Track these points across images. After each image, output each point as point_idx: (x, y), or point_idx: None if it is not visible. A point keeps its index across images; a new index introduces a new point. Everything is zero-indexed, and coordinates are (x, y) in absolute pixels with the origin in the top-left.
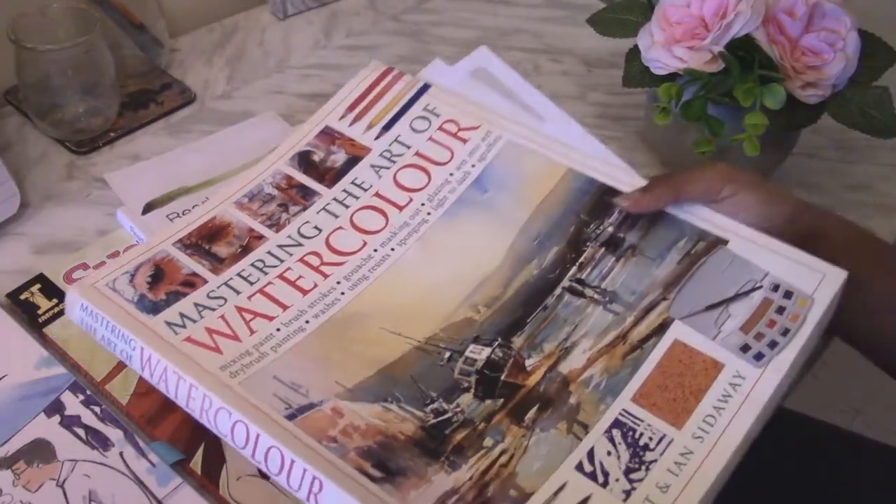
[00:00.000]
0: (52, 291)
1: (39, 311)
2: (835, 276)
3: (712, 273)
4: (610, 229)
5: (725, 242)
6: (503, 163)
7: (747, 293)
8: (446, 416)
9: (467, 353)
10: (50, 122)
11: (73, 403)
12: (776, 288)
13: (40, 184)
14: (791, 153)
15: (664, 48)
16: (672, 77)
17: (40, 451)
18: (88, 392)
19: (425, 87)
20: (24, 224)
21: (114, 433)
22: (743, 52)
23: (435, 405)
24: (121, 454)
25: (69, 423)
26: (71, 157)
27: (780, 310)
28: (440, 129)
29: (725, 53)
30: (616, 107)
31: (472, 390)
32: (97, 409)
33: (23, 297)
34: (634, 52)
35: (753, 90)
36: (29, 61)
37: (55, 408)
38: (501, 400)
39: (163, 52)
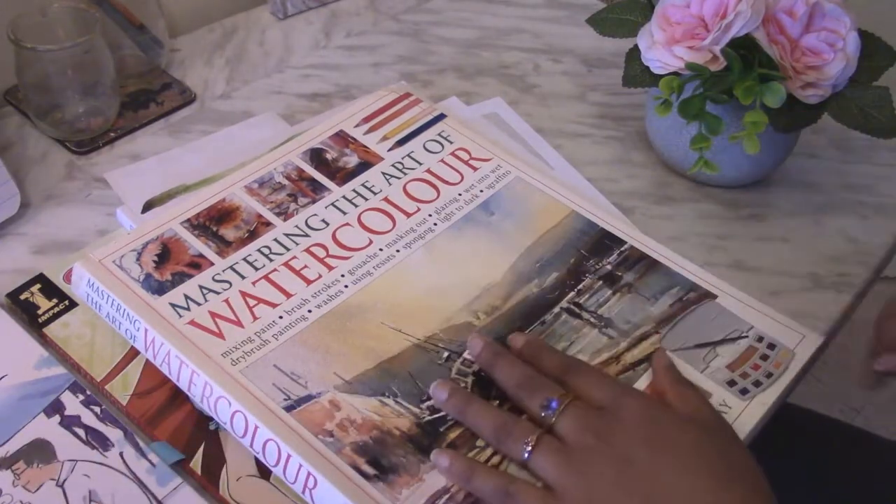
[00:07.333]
0: (52, 291)
1: (39, 311)
2: (813, 339)
3: (701, 320)
4: (608, 267)
5: (714, 297)
6: (510, 194)
7: (734, 340)
8: (442, 414)
9: (465, 355)
10: (50, 122)
11: (73, 403)
12: (760, 339)
13: (40, 184)
14: (791, 153)
15: (664, 48)
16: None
17: (40, 451)
18: (88, 392)
19: (441, 116)
20: (24, 224)
21: (114, 433)
22: (743, 52)
23: (431, 402)
24: (121, 454)
25: (69, 423)
26: (71, 157)
27: (764, 357)
28: (452, 154)
29: (728, 50)
30: (616, 107)
31: (469, 390)
32: (97, 409)
33: (23, 297)
34: (634, 52)
35: (753, 88)
36: (29, 61)
37: (55, 408)
38: (496, 402)
39: (163, 52)
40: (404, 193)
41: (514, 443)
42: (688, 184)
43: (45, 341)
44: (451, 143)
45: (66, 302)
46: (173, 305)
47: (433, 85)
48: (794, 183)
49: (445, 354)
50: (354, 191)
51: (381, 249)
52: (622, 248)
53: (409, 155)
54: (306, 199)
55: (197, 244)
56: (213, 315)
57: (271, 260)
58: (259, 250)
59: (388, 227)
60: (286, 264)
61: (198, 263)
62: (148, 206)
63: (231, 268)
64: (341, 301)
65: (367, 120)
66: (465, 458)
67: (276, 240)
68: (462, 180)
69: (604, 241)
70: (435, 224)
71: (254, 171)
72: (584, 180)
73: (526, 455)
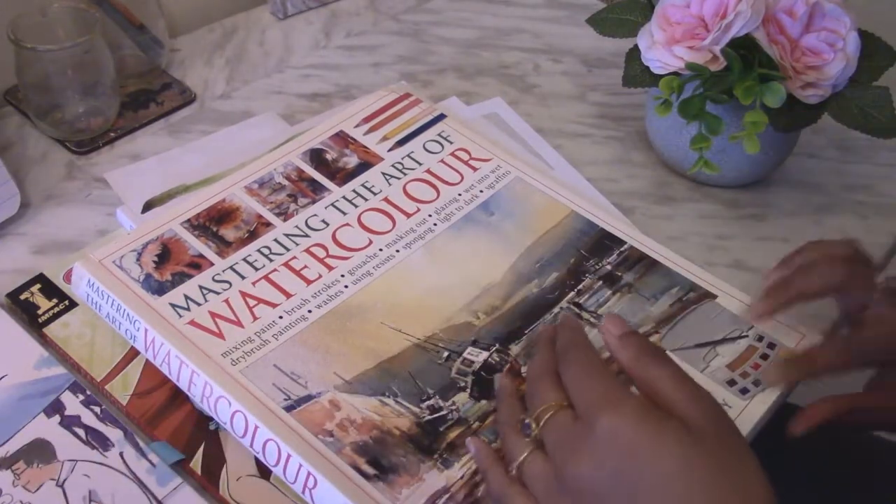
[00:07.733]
0: (52, 291)
1: (39, 311)
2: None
3: (701, 319)
4: (608, 267)
5: (714, 297)
6: (510, 194)
7: (734, 339)
8: (441, 414)
9: (465, 355)
10: (50, 122)
11: (73, 403)
12: (760, 339)
13: (40, 184)
14: (791, 153)
15: (664, 48)
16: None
17: (40, 451)
18: (88, 392)
19: (441, 116)
20: (24, 224)
21: (114, 433)
22: (743, 52)
23: (431, 402)
24: (121, 454)
25: (69, 423)
26: (71, 157)
27: (765, 356)
28: (452, 154)
29: (728, 50)
30: (616, 107)
31: (468, 390)
32: (97, 409)
33: (23, 297)
34: (634, 52)
35: (753, 88)
36: (29, 61)
37: (55, 408)
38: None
39: (163, 52)
40: (404, 194)
41: (508, 459)
42: (688, 184)
43: (45, 341)
44: (451, 143)
45: (66, 302)
46: (173, 305)
47: (433, 85)
48: (794, 183)
49: (445, 354)
50: (354, 191)
51: (381, 249)
52: (622, 248)
53: (409, 155)
54: (306, 200)
55: (197, 244)
56: (213, 315)
57: (271, 260)
58: (259, 250)
59: (388, 227)
60: (286, 264)
61: (198, 264)
62: (148, 206)
63: (231, 268)
64: (341, 301)
65: (367, 120)
66: (490, 452)
67: (276, 240)
68: (462, 180)
69: (604, 241)
70: (435, 224)
71: (254, 171)
72: (584, 180)
73: (513, 473)
